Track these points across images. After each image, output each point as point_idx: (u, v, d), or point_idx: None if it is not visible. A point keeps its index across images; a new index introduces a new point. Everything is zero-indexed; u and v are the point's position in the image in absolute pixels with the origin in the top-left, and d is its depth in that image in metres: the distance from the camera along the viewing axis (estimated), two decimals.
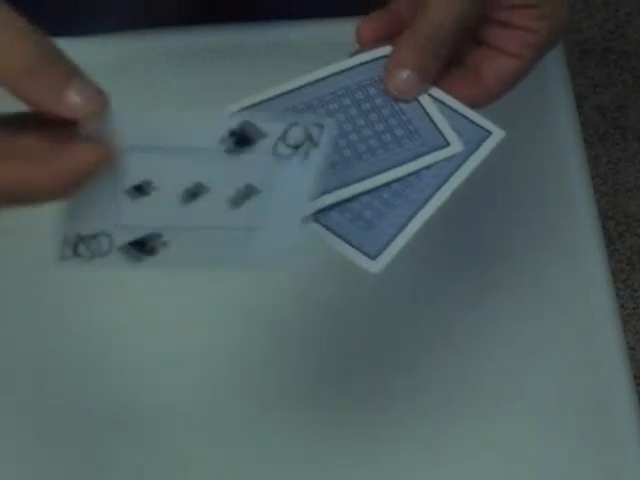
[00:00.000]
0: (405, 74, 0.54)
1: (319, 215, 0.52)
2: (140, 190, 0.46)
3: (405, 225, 0.53)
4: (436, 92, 0.55)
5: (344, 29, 0.79)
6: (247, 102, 0.56)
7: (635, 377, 0.70)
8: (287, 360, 0.68)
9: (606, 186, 1.70)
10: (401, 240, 0.53)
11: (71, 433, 0.66)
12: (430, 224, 0.73)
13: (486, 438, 0.67)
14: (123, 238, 0.47)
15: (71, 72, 0.45)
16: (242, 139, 0.46)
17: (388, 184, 0.54)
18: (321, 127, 0.47)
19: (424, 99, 0.55)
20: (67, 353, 0.68)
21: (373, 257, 0.52)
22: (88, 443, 0.66)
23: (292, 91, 0.56)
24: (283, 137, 0.47)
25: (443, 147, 0.54)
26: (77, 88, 0.44)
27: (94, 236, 0.46)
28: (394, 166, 0.54)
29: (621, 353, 0.70)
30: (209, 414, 0.67)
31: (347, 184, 0.53)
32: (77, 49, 0.76)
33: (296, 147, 0.47)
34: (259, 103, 0.55)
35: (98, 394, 0.67)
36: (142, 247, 0.48)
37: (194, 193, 0.47)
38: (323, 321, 0.70)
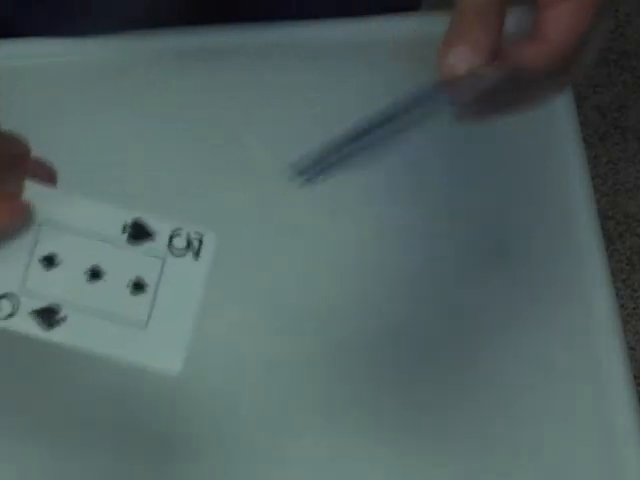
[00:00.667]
0: (459, 49, 0.50)
1: None
2: (49, 261, 0.49)
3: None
4: None
5: (344, 29, 0.80)
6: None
7: (635, 377, 0.70)
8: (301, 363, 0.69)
9: (606, 186, 1.69)
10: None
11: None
12: (430, 225, 0.73)
13: (486, 438, 0.67)
14: (28, 304, 0.49)
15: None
16: (138, 233, 0.49)
17: None
18: (200, 239, 0.48)
19: None
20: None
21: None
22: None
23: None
24: (170, 239, 0.49)
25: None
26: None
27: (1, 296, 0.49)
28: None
29: (621, 353, 0.70)
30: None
31: None
32: (77, 49, 0.77)
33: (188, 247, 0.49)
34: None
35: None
36: (46, 316, 0.49)
37: (95, 274, 0.49)
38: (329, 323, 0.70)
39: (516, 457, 0.67)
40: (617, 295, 0.72)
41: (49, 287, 0.49)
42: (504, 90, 0.53)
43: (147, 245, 0.49)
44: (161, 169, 0.73)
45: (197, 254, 0.49)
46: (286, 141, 0.75)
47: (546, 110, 0.78)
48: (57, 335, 0.49)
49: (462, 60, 0.50)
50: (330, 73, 0.77)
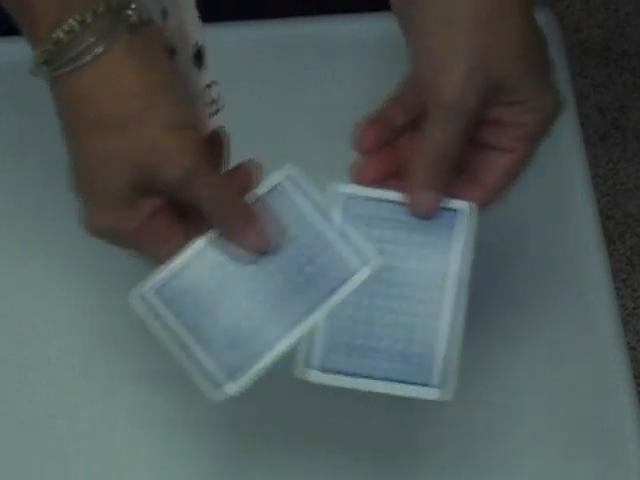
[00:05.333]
0: (427, 194, 0.56)
1: None
2: None
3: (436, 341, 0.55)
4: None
5: (342, 27, 0.80)
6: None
7: (635, 377, 0.70)
8: None
9: (606, 186, 1.69)
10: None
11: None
12: None
13: (486, 439, 0.67)
14: None
15: (249, 221, 0.55)
16: None
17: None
18: None
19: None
20: None
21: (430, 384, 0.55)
22: None
23: None
24: None
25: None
26: (255, 233, 0.55)
27: None
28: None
29: (621, 353, 0.70)
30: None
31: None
32: None
33: None
34: None
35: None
36: None
37: None
38: None
39: (516, 457, 0.67)
40: (617, 295, 0.72)
41: None
42: None
43: None
44: None
45: None
46: (285, 138, 0.75)
47: None
48: None
49: (434, 203, 0.57)
50: (327, 70, 0.77)
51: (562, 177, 0.76)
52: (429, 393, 0.54)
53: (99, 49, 0.51)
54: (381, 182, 0.58)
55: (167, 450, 0.67)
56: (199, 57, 0.54)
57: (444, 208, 0.56)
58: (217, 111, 0.55)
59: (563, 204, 0.75)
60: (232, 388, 0.53)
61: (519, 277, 0.72)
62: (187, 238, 0.55)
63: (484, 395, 0.68)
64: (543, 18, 0.81)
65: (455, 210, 0.57)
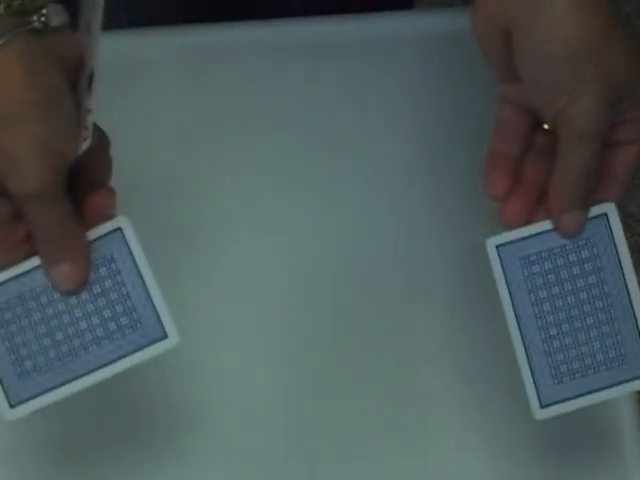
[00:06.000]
0: (576, 216, 0.59)
1: None
2: None
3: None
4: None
5: (339, 27, 0.80)
6: None
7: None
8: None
9: None
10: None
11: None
12: (429, 225, 0.73)
13: (485, 438, 0.67)
14: None
15: (70, 255, 0.55)
16: None
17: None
18: None
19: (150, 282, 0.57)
20: None
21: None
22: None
23: None
24: None
25: (162, 339, 0.56)
26: (67, 269, 0.55)
27: None
28: (112, 361, 0.56)
29: None
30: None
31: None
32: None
33: None
34: None
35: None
36: None
37: None
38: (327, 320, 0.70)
39: (516, 457, 0.67)
40: None
41: None
42: None
43: None
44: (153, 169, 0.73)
45: None
46: (284, 140, 0.75)
47: None
48: None
49: (580, 224, 0.60)
50: (323, 70, 0.77)
51: None
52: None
53: None
54: (526, 219, 0.60)
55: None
56: (91, 81, 0.53)
57: (591, 217, 0.60)
58: (86, 139, 0.54)
59: None
60: (12, 414, 0.55)
61: None
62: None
63: (481, 393, 0.68)
64: None
65: (605, 214, 0.60)
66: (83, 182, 0.55)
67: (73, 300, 0.56)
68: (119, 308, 0.56)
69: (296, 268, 0.71)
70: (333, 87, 0.77)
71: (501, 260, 0.59)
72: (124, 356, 0.56)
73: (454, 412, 0.68)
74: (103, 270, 0.56)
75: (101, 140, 0.56)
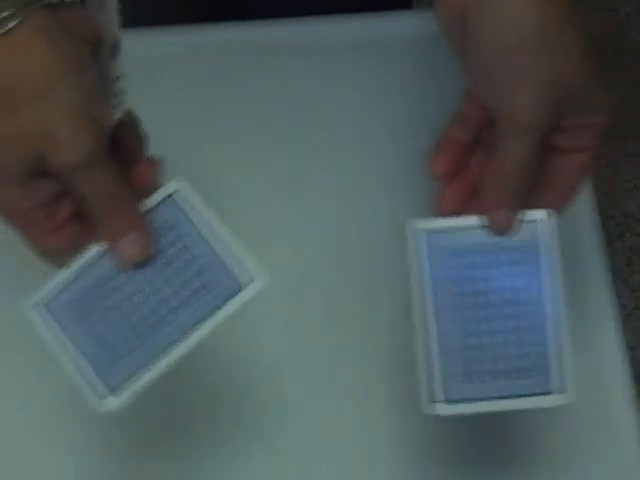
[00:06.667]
0: (505, 214, 0.56)
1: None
2: None
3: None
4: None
5: (337, 26, 0.80)
6: None
7: (635, 377, 0.70)
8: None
9: (606, 186, 1.69)
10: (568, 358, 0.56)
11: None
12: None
13: (484, 438, 0.67)
14: None
15: (130, 225, 0.53)
16: None
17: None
18: None
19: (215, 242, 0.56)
20: None
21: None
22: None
23: None
24: None
25: (240, 290, 0.55)
26: (131, 239, 0.54)
27: None
28: (195, 326, 0.55)
29: (621, 353, 0.70)
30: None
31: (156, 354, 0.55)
32: None
33: None
34: None
35: None
36: None
37: None
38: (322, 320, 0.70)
39: (517, 458, 0.67)
40: (617, 295, 0.72)
41: None
42: None
43: None
44: None
45: None
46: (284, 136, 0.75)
47: None
48: None
49: (512, 221, 0.57)
50: (323, 70, 0.77)
51: None
52: (554, 400, 0.56)
53: (12, 23, 0.50)
54: (462, 208, 0.58)
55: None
56: (115, 50, 0.53)
57: (525, 221, 0.57)
58: (119, 104, 0.54)
59: None
60: (113, 402, 0.54)
61: None
62: (79, 240, 0.55)
63: None
64: None
65: (536, 221, 0.57)
66: (121, 159, 0.55)
67: (142, 277, 0.55)
68: (188, 274, 0.55)
69: (297, 264, 0.71)
70: (333, 87, 0.77)
71: (428, 245, 0.57)
72: (205, 319, 0.55)
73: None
74: (165, 239, 0.55)
75: (130, 116, 0.56)
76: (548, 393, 0.56)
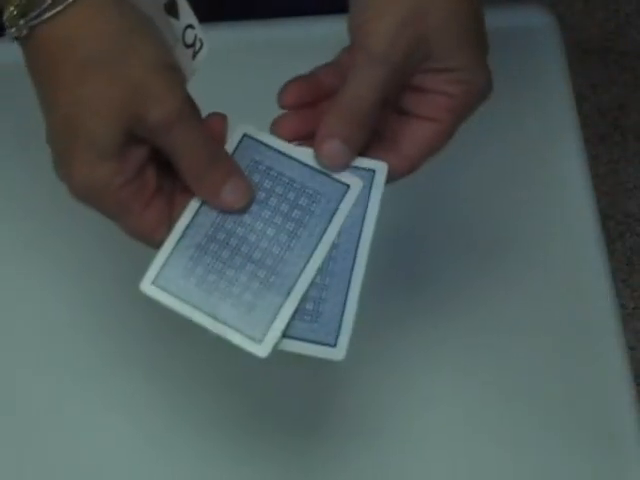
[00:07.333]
0: (335, 144, 0.54)
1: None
2: None
3: (345, 301, 0.54)
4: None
5: (335, 26, 0.80)
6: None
7: (635, 377, 0.70)
8: None
9: (606, 186, 1.69)
10: (349, 318, 0.54)
11: None
12: (430, 225, 0.73)
13: (484, 438, 0.67)
14: None
15: (228, 172, 0.53)
16: None
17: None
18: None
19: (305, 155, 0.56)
20: None
21: (333, 345, 0.53)
22: None
23: None
24: None
25: (346, 193, 0.55)
26: (232, 187, 0.53)
27: None
28: (318, 240, 0.55)
29: (621, 353, 0.70)
30: None
31: (288, 288, 0.54)
32: None
33: None
34: None
35: None
36: None
37: None
38: None
39: (517, 458, 0.67)
40: (617, 295, 0.72)
41: None
42: None
43: None
44: None
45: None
46: None
47: (546, 110, 0.78)
48: None
49: (340, 155, 0.55)
50: None
51: (562, 177, 0.76)
52: (323, 352, 0.54)
53: None
54: (296, 138, 0.56)
55: (166, 441, 0.67)
56: (173, 5, 0.53)
57: (359, 168, 0.55)
58: (198, 51, 0.54)
59: (563, 204, 0.75)
60: (264, 349, 0.53)
61: (518, 277, 0.72)
62: (169, 215, 0.54)
63: (482, 393, 0.68)
64: (543, 19, 0.81)
65: (372, 170, 0.56)
66: None
67: (249, 217, 0.55)
68: (291, 195, 0.55)
69: None
70: None
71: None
72: (326, 228, 0.55)
73: (454, 410, 0.68)
74: (257, 175, 0.55)
75: None
76: (326, 345, 0.54)
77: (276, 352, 0.53)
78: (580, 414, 0.68)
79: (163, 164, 0.54)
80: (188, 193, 0.54)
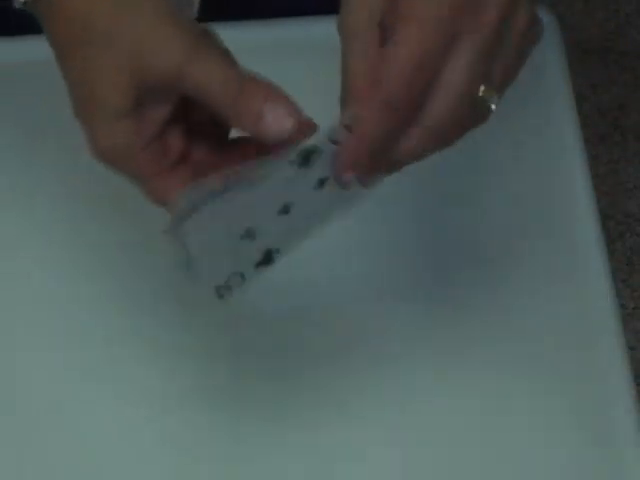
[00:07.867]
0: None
1: None
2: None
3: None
4: None
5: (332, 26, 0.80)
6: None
7: (635, 377, 0.70)
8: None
9: (606, 186, 1.69)
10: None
11: None
12: (430, 225, 0.73)
13: (485, 439, 0.67)
14: (249, 267, 0.54)
15: (268, 94, 0.51)
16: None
17: None
18: None
19: None
20: None
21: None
22: None
23: None
24: None
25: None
26: (274, 110, 0.50)
27: (227, 281, 0.53)
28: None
29: (621, 353, 0.70)
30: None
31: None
32: None
33: None
34: None
35: None
36: (267, 262, 0.54)
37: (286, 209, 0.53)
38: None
39: (517, 459, 0.67)
40: (617, 295, 0.72)
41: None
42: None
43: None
44: None
45: None
46: None
47: (546, 110, 0.78)
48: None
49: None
50: (323, 69, 0.77)
51: (562, 177, 0.76)
52: None
53: None
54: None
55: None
56: None
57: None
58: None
59: (563, 204, 0.75)
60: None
61: (518, 277, 0.72)
62: (194, 172, 0.52)
63: (481, 393, 0.68)
64: (543, 18, 0.81)
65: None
66: None
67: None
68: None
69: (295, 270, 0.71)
70: (333, 87, 0.77)
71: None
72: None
73: (454, 410, 0.68)
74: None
75: None
76: None
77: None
78: (580, 414, 0.68)
79: (195, 134, 0.53)
80: (219, 168, 0.52)
